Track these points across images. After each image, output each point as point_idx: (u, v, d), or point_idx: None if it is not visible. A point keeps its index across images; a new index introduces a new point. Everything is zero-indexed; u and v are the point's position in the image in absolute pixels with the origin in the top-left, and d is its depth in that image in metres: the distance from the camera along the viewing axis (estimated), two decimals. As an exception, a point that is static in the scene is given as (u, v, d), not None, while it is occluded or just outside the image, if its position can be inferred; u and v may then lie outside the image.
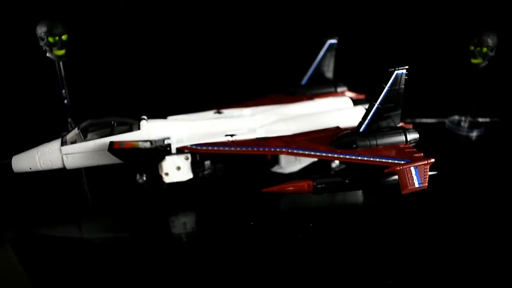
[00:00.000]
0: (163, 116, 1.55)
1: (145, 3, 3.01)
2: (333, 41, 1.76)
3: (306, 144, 1.42)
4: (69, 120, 1.80)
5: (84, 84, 2.09)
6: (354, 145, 1.38)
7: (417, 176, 1.26)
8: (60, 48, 1.64)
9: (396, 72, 1.34)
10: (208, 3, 3.01)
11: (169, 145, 1.42)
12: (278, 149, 1.41)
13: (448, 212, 1.44)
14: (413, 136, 1.43)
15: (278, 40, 2.79)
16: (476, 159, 1.74)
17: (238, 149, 1.41)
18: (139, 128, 1.45)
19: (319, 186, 1.33)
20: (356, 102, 1.69)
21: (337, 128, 1.52)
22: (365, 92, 1.78)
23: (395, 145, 1.40)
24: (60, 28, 1.62)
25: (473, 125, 1.93)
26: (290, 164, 1.57)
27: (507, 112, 2.04)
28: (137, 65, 2.56)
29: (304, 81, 1.79)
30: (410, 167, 1.26)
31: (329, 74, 1.81)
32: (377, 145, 1.39)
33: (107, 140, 1.41)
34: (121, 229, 1.41)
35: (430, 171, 1.28)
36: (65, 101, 1.78)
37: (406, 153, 1.34)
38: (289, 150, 1.39)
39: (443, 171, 1.41)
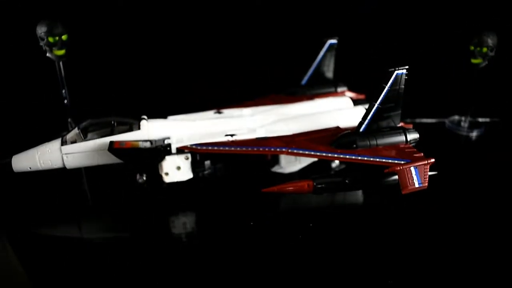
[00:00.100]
0: (163, 116, 1.55)
1: (145, 3, 3.01)
2: (333, 41, 1.76)
3: (306, 144, 1.42)
4: (69, 120, 1.80)
5: (84, 84, 2.09)
6: (354, 145, 1.38)
7: (417, 176, 1.26)
8: (60, 48, 1.64)
9: (396, 72, 1.34)
10: (208, 3, 3.01)
11: (169, 145, 1.42)
12: (278, 149, 1.41)
13: (448, 212, 1.44)
14: (413, 136, 1.43)
15: (278, 40, 2.79)
16: (476, 159, 1.74)
17: (238, 149, 1.41)
18: (139, 128, 1.45)
19: (319, 186, 1.33)
20: (356, 102, 1.69)
21: (337, 128, 1.52)
22: (365, 92, 1.78)
23: (395, 145, 1.40)
24: (60, 28, 1.62)
25: (473, 125, 1.93)
26: (290, 164, 1.57)
27: (507, 112, 2.04)
28: (137, 65, 2.56)
29: (304, 81, 1.79)
30: (410, 167, 1.26)
31: (329, 74, 1.81)
32: (377, 145, 1.39)
33: (107, 139, 1.41)
34: (121, 229, 1.40)
35: (430, 171, 1.28)
36: (65, 101, 1.78)
37: (406, 153, 1.34)
38: (289, 150, 1.39)
39: (443, 171, 1.41)
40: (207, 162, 1.48)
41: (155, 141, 1.44)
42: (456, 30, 2.27)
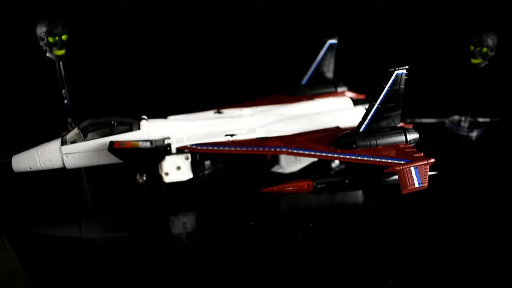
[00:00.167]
0: (163, 116, 1.55)
1: (145, 3, 3.01)
2: (333, 41, 1.76)
3: (306, 144, 1.42)
4: (69, 120, 1.80)
5: (84, 84, 2.09)
6: (354, 145, 1.38)
7: (417, 176, 1.26)
8: (60, 48, 1.64)
9: (396, 72, 1.34)
10: (208, 3, 3.01)
11: (169, 145, 1.42)
12: (278, 149, 1.41)
13: (448, 212, 1.44)
14: (413, 136, 1.43)
15: (278, 40, 2.79)
16: (476, 159, 1.74)
17: (238, 149, 1.41)
18: (139, 128, 1.45)
19: (319, 186, 1.33)
20: (356, 102, 1.69)
21: (337, 128, 1.52)
22: (365, 92, 1.78)
23: (395, 145, 1.40)
24: (60, 28, 1.62)
25: (473, 125, 1.93)
26: (290, 164, 1.57)
27: (507, 112, 2.04)
28: (137, 65, 2.56)
29: (304, 81, 1.79)
30: (410, 167, 1.26)
31: (329, 74, 1.81)
32: (377, 145, 1.39)
33: (107, 139, 1.41)
34: (121, 229, 1.40)
35: (430, 171, 1.28)
36: (65, 101, 1.78)
37: (406, 153, 1.34)
38: (289, 150, 1.39)
39: (443, 171, 1.41)
40: (207, 162, 1.48)
41: (155, 141, 1.44)
42: (456, 30, 2.27)
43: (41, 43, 1.63)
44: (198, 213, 1.46)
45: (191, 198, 1.51)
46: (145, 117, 1.49)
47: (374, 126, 1.41)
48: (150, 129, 1.45)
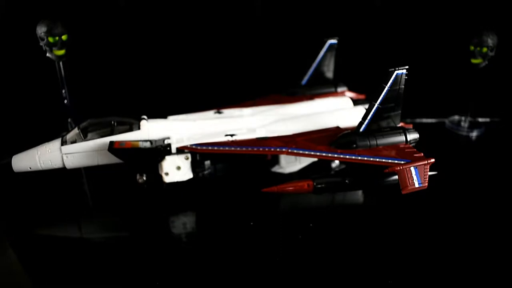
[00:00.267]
0: (163, 116, 1.55)
1: (145, 3, 3.02)
2: (333, 41, 1.76)
3: (306, 144, 1.42)
4: (69, 120, 1.80)
5: (84, 84, 2.09)
6: (354, 145, 1.38)
7: (417, 176, 1.26)
8: (60, 48, 1.64)
9: (396, 72, 1.34)
10: (208, 3, 3.01)
11: (169, 145, 1.42)
12: (278, 149, 1.41)
13: (448, 212, 1.44)
14: (413, 136, 1.43)
15: (278, 40, 2.79)
16: (476, 159, 1.74)
17: (238, 149, 1.41)
18: (139, 128, 1.45)
19: (319, 186, 1.33)
20: (356, 102, 1.69)
21: (337, 128, 1.52)
22: (365, 92, 1.78)
23: (395, 145, 1.40)
24: (60, 28, 1.62)
25: (473, 125, 1.93)
26: (290, 164, 1.57)
27: (507, 112, 2.04)
28: (137, 65, 2.56)
29: (304, 81, 1.79)
30: (410, 167, 1.26)
31: (329, 74, 1.81)
32: (377, 145, 1.39)
33: (107, 139, 1.41)
34: (121, 229, 1.40)
35: (430, 171, 1.28)
36: (65, 101, 1.78)
37: (406, 153, 1.34)
38: (289, 150, 1.39)
39: (443, 171, 1.41)
40: (207, 162, 1.48)
41: (155, 141, 1.44)
42: (456, 30, 2.27)
43: (41, 43, 1.63)
44: (198, 213, 1.46)
45: (191, 198, 1.51)
46: (145, 117, 1.49)
47: (374, 126, 1.41)
48: (150, 129, 1.45)
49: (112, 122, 1.46)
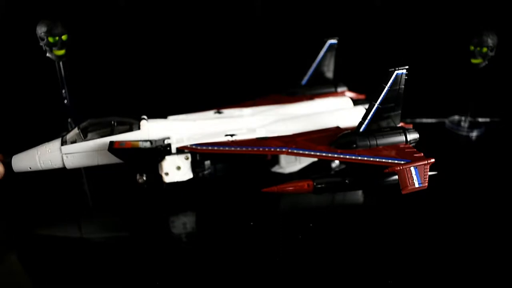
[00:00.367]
0: (163, 116, 1.55)
1: (145, 3, 3.02)
2: (333, 41, 1.76)
3: (306, 144, 1.42)
4: (69, 120, 1.80)
5: (84, 84, 2.09)
6: (354, 145, 1.38)
7: (417, 176, 1.26)
8: (60, 48, 1.64)
9: (396, 72, 1.34)
10: (208, 3, 3.01)
11: (169, 145, 1.42)
12: (278, 149, 1.41)
13: (448, 212, 1.44)
14: (413, 136, 1.43)
15: (278, 40, 2.79)
16: (476, 159, 1.74)
17: (238, 149, 1.41)
18: (139, 128, 1.45)
19: (319, 186, 1.33)
20: (356, 102, 1.69)
21: (337, 128, 1.52)
22: (365, 92, 1.78)
23: (395, 145, 1.40)
24: (60, 28, 1.62)
25: (473, 125, 1.93)
26: (290, 164, 1.57)
27: (507, 112, 2.04)
28: (137, 65, 2.56)
29: (304, 81, 1.79)
30: (410, 167, 1.26)
31: (329, 74, 1.81)
32: (377, 145, 1.39)
33: (107, 139, 1.41)
34: (121, 229, 1.40)
35: (430, 171, 1.28)
36: (65, 101, 1.78)
37: (406, 153, 1.34)
38: (289, 150, 1.39)
39: (443, 171, 1.41)
40: (207, 162, 1.48)
41: (155, 141, 1.44)
42: (456, 30, 2.27)
43: (41, 43, 1.63)
44: (198, 213, 1.46)
45: (191, 198, 1.51)
46: (145, 117, 1.49)
47: (374, 126, 1.41)
48: (150, 129, 1.45)
49: (112, 122, 1.46)
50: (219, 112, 1.61)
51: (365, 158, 1.33)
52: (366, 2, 3.08)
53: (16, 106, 2.14)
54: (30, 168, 1.41)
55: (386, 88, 1.35)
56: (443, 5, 2.83)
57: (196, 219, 1.44)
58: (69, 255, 1.28)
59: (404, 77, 1.35)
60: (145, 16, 3.00)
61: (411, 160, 1.29)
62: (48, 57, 1.66)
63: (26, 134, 1.79)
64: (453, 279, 1.19)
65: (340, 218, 1.43)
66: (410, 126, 1.51)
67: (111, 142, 1.40)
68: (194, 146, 1.42)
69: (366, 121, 1.40)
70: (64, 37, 1.63)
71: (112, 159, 1.41)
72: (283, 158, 1.55)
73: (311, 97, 1.73)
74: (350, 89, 1.81)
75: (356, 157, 1.34)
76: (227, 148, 1.41)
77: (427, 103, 2.09)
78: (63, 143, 1.41)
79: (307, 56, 1.80)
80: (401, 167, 1.26)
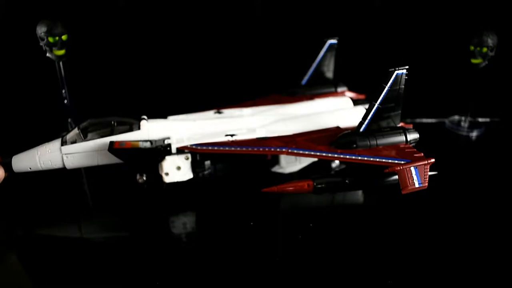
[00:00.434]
0: (163, 116, 1.55)
1: (145, 3, 3.02)
2: (333, 41, 1.76)
3: (306, 144, 1.42)
4: (69, 120, 1.80)
5: (84, 84, 2.09)
6: (354, 145, 1.38)
7: (417, 176, 1.26)
8: (60, 48, 1.64)
9: (396, 72, 1.34)
10: (208, 3, 3.01)
11: (169, 145, 1.42)
12: (278, 149, 1.41)
13: (448, 212, 1.44)
14: (413, 136, 1.43)
15: (278, 40, 2.79)
16: (476, 159, 1.74)
17: (238, 149, 1.41)
18: (139, 128, 1.45)
19: (319, 186, 1.33)
20: (356, 102, 1.69)
21: (337, 128, 1.52)
22: (365, 92, 1.78)
23: (395, 145, 1.40)
24: (60, 28, 1.62)
25: (473, 125, 1.93)
26: (290, 164, 1.57)
27: (507, 112, 2.04)
28: (137, 65, 2.56)
29: (304, 81, 1.79)
30: (410, 167, 1.26)
31: (329, 74, 1.81)
32: (377, 145, 1.39)
33: (107, 140, 1.41)
34: (121, 229, 1.40)
35: (430, 171, 1.28)
36: (65, 101, 1.78)
37: (406, 153, 1.34)
38: (289, 150, 1.39)
39: (443, 171, 1.41)
40: (207, 162, 1.48)
41: (155, 141, 1.44)
42: (456, 30, 2.27)
43: (41, 43, 1.63)
44: (198, 213, 1.46)
45: (191, 198, 1.51)
46: (145, 117, 1.49)
47: (374, 126, 1.41)
48: (150, 129, 1.45)
49: (112, 122, 1.46)
50: (219, 112, 1.61)
51: (365, 158, 1.33)
52: (366, 2, 3.08)
53: (16, 106, 2.14)
54: (30, 168, 1.41)
55: (386, 88, 1.35)
56: (443, 5, 2.83)
57: (196, 219, 1.44)
58: (69, 255, 1.28)
59: (404, 77, 1.35)
60: (145, 16, 3.00)
61: (411, 160, 1.29)
62: (48, 57, 1.66)
63: (26, 134, 1.79)
64: (453, 279, 1.19)
65: (340, 218, 1.43)
66: (410, 126, 1.51)
67: (111, 142, 1.40)
68: (194, 146, 1.42)
69: (366, 121, 1.40)
70: (64, 37, 1.63)
71: (112, 159, 1.41)
72: (283, 158, 1.55)
73: (311, 97, 1.73)
74: (350, 89, 1.81)
75: (356, 157, 1.34)
76: (227, 148, 1.41)
77: (427, 103, 2.09)
78: (63, 143, 1.41)
79: (307, 56, 1.80)
80: (401, 167, 1.26)
